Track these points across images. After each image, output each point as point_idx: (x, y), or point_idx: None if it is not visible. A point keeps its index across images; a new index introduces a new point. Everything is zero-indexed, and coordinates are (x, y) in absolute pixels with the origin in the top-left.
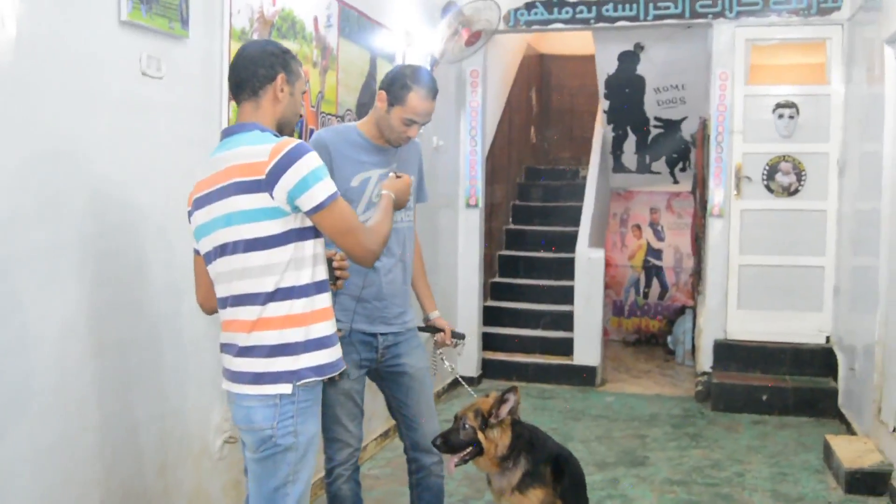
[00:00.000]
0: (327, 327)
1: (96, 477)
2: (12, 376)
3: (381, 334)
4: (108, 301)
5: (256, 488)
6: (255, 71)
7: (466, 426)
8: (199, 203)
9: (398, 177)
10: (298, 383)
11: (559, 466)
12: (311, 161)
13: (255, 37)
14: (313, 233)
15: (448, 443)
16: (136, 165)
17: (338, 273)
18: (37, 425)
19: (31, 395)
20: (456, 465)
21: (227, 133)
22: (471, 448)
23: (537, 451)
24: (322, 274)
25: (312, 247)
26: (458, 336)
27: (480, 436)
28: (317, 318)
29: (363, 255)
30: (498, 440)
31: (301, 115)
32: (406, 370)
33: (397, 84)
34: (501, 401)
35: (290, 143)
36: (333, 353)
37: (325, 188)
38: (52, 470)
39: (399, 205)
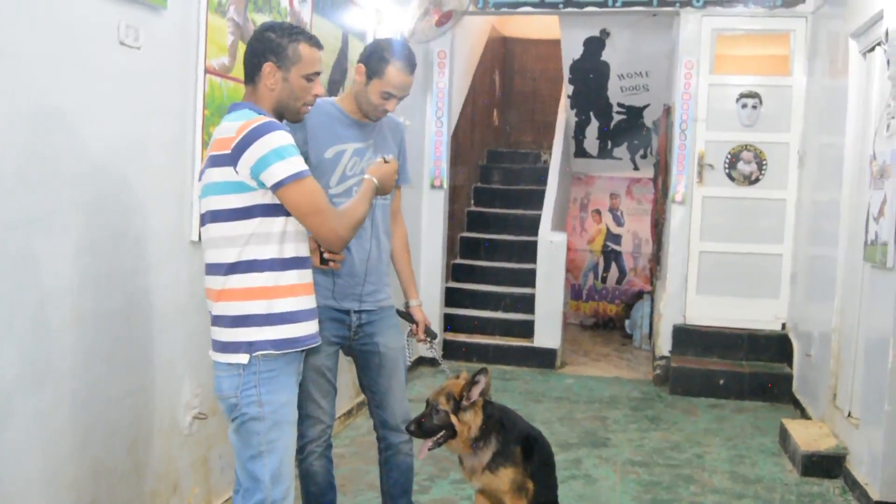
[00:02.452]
0: (295, 303)
1: (69, 452)
2: None
3: (354, 311)
4: (84, 273)
5: (236, 458)
6: (250, 59)
7: (439, 410)
8: (201, 174)
9: (386, 161)
10: (254, 354)
11: (529, 446)
12: (274, 139)
13: (232, 10)
14: (285, 210)
15: (422, 427)
16: (113, 136)
17: (326, 255)
18: (11, 398)
19: (5, 367)
20: (430, 449)
21: (228, 109)
22: (444, 431)
23: (508, 431)
24: (294, 251)
25: (283, 224)
26: (431, 334)
27: (453, 419)
28: (282, 293)
29: (329, 238)
30: (471, 422)
31: (318, 95)
32: (378, 349)
33: (375, 57)
34: (472, 382)
35: (257, 121)
36: (300, 329)
37: (285, 166)
38: (26, 444)
39: (384, 190)
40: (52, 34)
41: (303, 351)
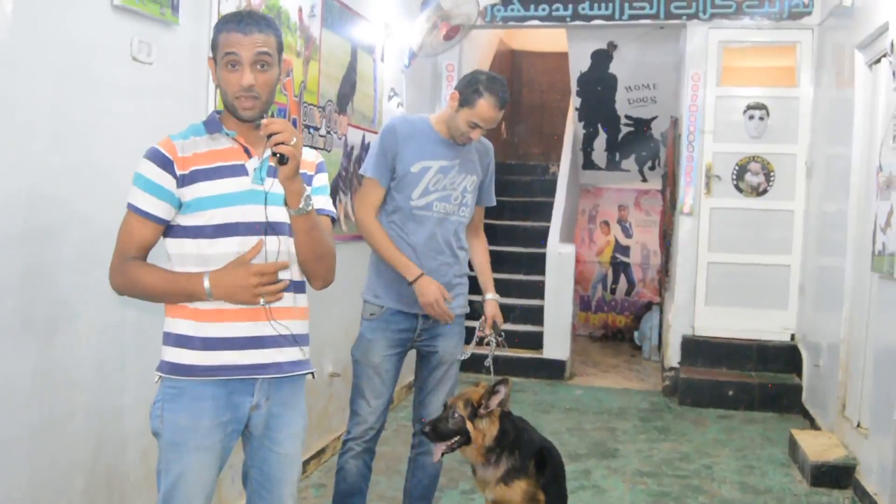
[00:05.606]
0: (187, 326)
1: (82, 461)
2: (1, 356)
3: (423, 316)
4: (99, 284)
5: None
6: None
7: (455, 415)
8: None
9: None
10: (160, 373)
11: (542, 458)
12: (138, 167)
13: None
14: (171, 231)
15: (436, 430)
16: (126, 150)
17: (277, 147)
18: (27, 408)
19: (20, 376)
20: (443, 454)
21: None
22: (458, 437)
23: (523, 445)
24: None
25: (171, 245)
26: (496, 330)
27: (469, 425)
28: (174, 312)
29: (109, 277)
30: (486, 431)
31: (245, 85)
32: (437, 351)
33: (470, 88)
34: (492, 392)
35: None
36: (193, 356)
37: (130, 194)
38: (40, 452)
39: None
40: (67, 49)
41: (226, 379)
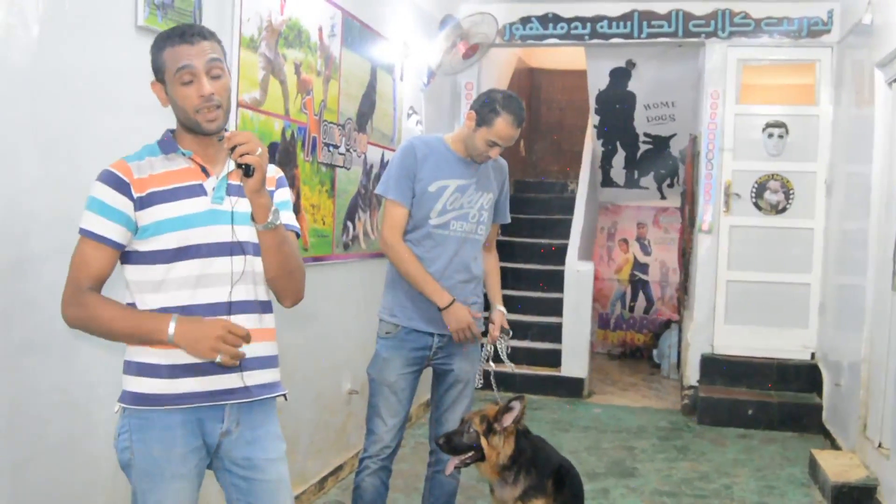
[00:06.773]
0: (152, 354)
1: (102, 480)
2: (21, 374)
3: (439, 335)
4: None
5: None
6: None
7: (471, 430)
8: None
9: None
10: (121, 403)
11: (561, 477)
12: (92, 189)
13: (263, 45)
14: (130, 258)
15: (450, 443)
16: None
17: (242, 158)
18: (44, 425)
19: (38, 393)
20: (456, 467)
21: None
22: (472, 452)
23: (541, 464)
24: (145, 303)
25: (130, 272)
26: (505, 332)
27: (483, 441)
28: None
29: (61, 307)
30: (500, 448)
31: (205, 94)
32: (453, 369)
33: (487, 108)
34: (506, 409)
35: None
36: (158, 385)
37: (83, 218)
38: (58, 471)
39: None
40: (92, 68)
41: (194, 407)
